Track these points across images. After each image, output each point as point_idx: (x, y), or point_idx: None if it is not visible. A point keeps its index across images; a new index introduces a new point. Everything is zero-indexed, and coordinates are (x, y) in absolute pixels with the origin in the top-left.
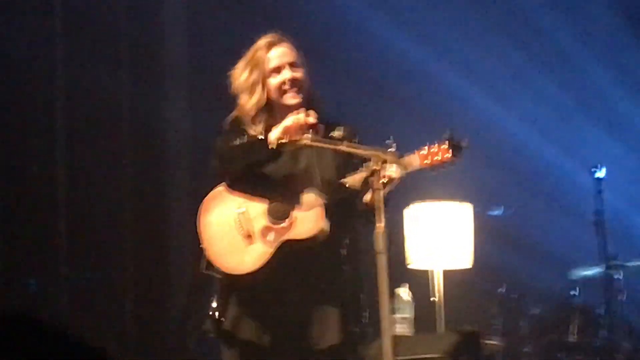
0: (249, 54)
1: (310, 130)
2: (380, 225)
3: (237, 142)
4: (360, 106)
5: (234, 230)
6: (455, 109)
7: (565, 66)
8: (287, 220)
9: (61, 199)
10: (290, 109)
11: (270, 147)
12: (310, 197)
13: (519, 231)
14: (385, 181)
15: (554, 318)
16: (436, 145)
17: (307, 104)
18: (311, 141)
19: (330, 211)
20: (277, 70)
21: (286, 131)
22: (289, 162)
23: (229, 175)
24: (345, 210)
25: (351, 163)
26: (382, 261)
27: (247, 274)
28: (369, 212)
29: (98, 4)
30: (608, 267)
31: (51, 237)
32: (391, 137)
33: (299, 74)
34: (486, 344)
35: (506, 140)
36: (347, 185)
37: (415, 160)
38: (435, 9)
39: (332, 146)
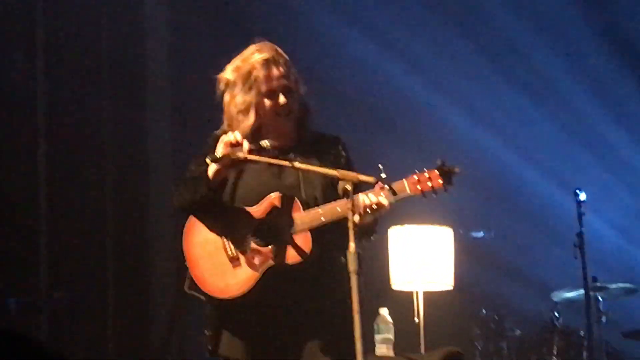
0: (243, 69)
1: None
2: (352, 245)
3: (190, 173)
4: (347, 132)
5: (221, 252)
6: (438, 133)
7: (548, 91)
8: (275, 243)
9: (42, 218)
10: (281, 131)
11: (209, 185)
12: (298, 219)
13: (501, 253)
14: (375, 207)
15: (535, 340)
16: (426, 172)
17: (298, 123)
18: (247, 155)
19: (322, 232)
20: (273, 92)
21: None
22: (272, 180)
23: (182, 211)
24: (337, 231)
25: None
26: (354, 281)
27: (232, 299)
28: (364, 230)
29: (79, 23)
30: (589, 290)
31: (32, 256)
32: (380, 165)
33: (294, 102)
34: None
35: (489, 163)
36: (338, 209)
37: (405, 187)
38: (421, 36)
39: (269, 160)
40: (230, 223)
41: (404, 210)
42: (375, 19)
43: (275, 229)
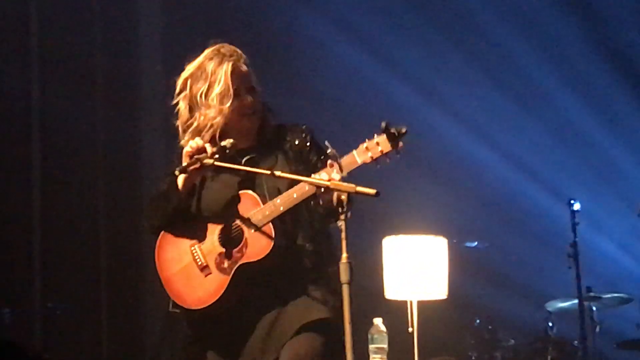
0: (207, 69)
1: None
2: (344, 255)
3: (157, 191)
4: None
5: (191, 264)
6: (432, 144)
7: (542, 101)
8: (240, 243)
9: (36, 230)
10: (244, 131)
11: (179, 195)
12: (257, 214)
13: (495, 263)
14: (330, 185)
15: (529, 350)
16: (375, 137)
17: (261, 122)
18: (214, 161)
19: (284, 221)
20: (237, 93)
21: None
22: (229, 179)
23: (153, 230)
24: (301, 216)
25: (306, 160)
26: (346, 291)
27: (209, 307)
28: (330, 209)
29: (73, 34)
30: (583, 300)
31: (26, 267)
32: (326, 141)
33: (258, 101)
34: None
35: (483, 173)
36: (294, 195)
37: (355, 158)
38: (416, 46)
39: (234, 167)
40: (196, 232)
41: (398, 221)
42: (359, 22)
43: (238, 228)
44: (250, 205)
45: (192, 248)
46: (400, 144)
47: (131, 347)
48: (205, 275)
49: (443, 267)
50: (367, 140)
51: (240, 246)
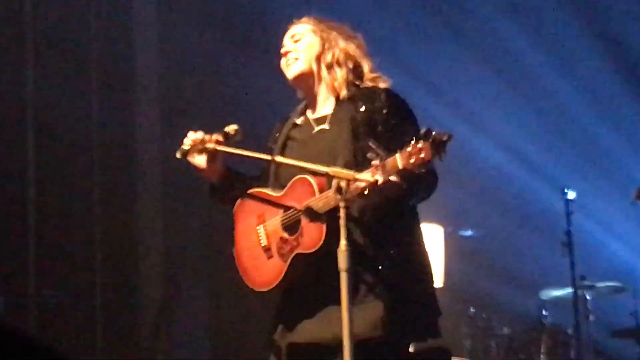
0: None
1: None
2: (343, 242)
3: None
4: None
5: (257, 243)
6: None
7: (537, 90)
8: (297, 231)
9: (30, 217)
10: (305, 91)
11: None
12: (313, 204)
13: (489, 252)
14: (365, 192)
15: (523, 338)
16: (418, 143)
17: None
18: (216, 146)
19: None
20: (282, 45)
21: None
22: (302, 150)
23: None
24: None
25: (381, 134)
26: (344, 279)
27: (270, 290)
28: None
29: (68, 23)
30: (577, 288)
31: (19, 255)
32: (370, 142)
33: (295, 48)
34: None
35: (478, 162)
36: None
37: (396, 163)
38: (412, 36)
39: (243, 153)
40: (265, 207)
41: None
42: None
43: (298, 215)
44: (307, 192)
45: (258, 227)
46: (444, 153)
47: (127, 334)
48: (268, 258)
49: (439, 255)
50: (410, 144)
51: (297, 234)
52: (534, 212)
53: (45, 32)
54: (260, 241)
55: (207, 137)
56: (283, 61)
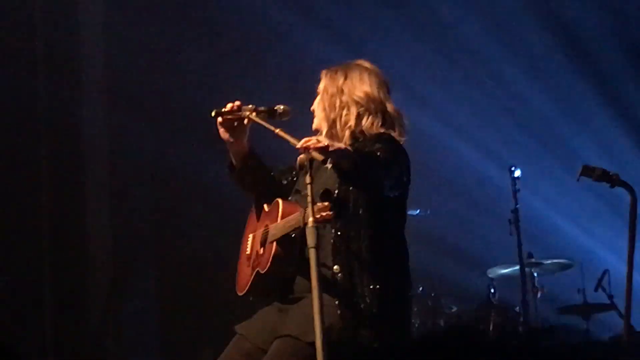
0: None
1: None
2: (311, 220)
3: None
4: None
5: (245, 249)
6: None
7: (483, 69)
8: (265, 249)
9: None
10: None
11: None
12: (272, 229)
13: (437, 231)
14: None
15: (472, 316)
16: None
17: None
18: (250, 116)
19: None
20: None
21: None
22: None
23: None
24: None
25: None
26: (313, 255)
27: (241, 297)
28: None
29: (14, 4)
30: (524, 265)
31: None
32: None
33: (317, 101)
34: None
35: (424, 141)
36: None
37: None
38: (361, 19)
39: (265, 124)
40: (260, 218)
41: None
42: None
43: (266, 234)
44: (274, 215)
45: (249, 235)
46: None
47: (75, 322)
48: (247, 266)
49: None
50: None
51: (264, 252)
52: (480, 190)
53: None
54: (246, 248)
55: (250, 106)
56: None
